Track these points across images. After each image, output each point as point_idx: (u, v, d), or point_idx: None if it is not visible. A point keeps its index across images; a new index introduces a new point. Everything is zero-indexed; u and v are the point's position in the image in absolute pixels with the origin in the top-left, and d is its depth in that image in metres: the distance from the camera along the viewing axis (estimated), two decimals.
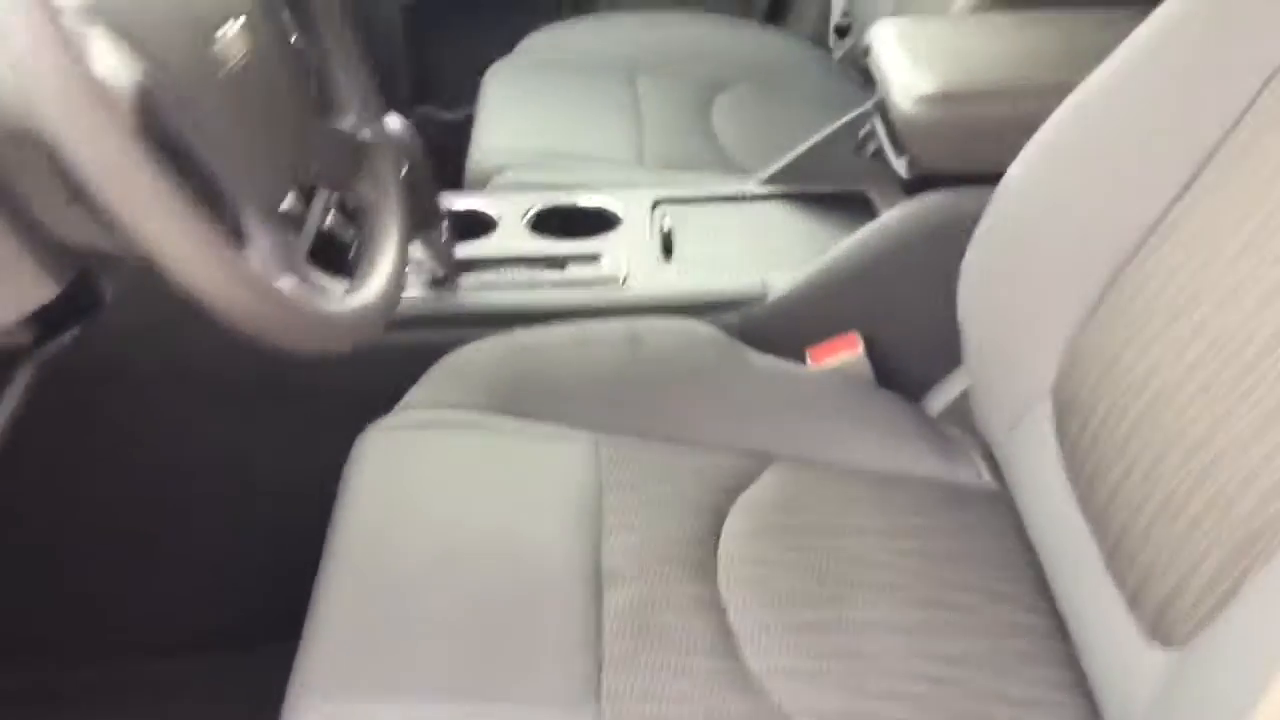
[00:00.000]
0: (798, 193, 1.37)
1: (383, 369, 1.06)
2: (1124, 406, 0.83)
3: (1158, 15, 0.94)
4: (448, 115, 2.05)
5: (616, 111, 1.65)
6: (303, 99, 0.83)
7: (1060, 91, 0.97)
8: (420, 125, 2.06)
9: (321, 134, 0.85)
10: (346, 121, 0.87)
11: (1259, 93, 0.86)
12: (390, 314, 0.79)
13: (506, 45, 1.89)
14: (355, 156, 0.86)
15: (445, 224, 1.20)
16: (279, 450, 1.20)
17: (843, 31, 1.85)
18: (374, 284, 0.77)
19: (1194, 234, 0.84)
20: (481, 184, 1.50)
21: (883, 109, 1.18)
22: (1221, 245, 0.81)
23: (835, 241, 1.23)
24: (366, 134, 0.88)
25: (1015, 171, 0.99)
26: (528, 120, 1.63)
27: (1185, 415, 0.77)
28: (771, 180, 1.39)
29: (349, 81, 0.87)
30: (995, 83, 1.13)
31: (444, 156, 1.65)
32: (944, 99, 1.11)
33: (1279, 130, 0.82)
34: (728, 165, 1.56)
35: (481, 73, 1.80)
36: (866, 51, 1.22)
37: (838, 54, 1.82)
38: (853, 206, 1.33)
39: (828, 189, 1.36)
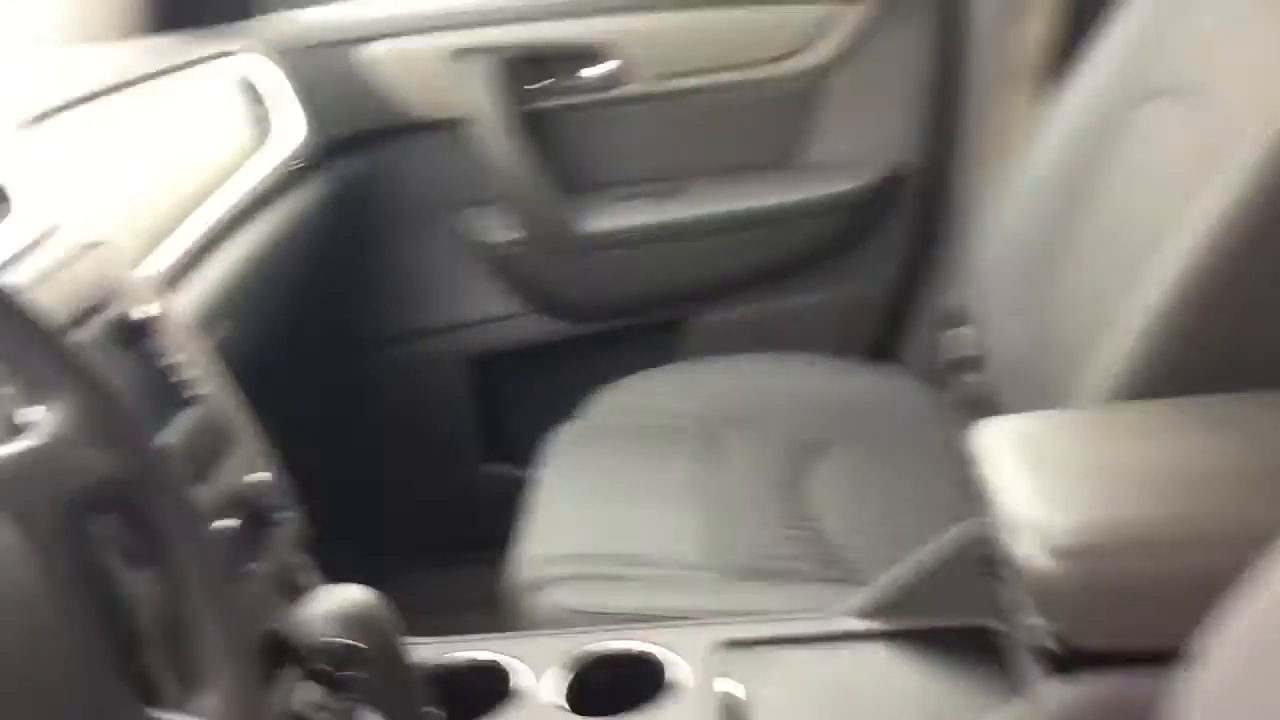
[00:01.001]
0: (907, 629, 1.04)
1: None
2: None
3: None
4: (521, 473, 1.82)
5: (688, 490, 1.36)
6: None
7: (1257, 537, 0.66)
8: (493, 485, 1.91)
9: None
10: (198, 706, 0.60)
11: None
12: None
13: (582, 396, 1.65)
14: None
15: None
16: None
17: (958, 366, 1.54)
18: None
19: None
20: (517, 607, 1.23)
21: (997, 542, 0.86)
22: None
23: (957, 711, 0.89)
24: None
25: (1199, 666, 0.67)
26: (580, 509, 1.35)
27: None
28: (877, 611, 1.07)
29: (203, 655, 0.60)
30: (1161, 525, 0.79)
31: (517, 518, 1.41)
32: (1090, 552, 0.78)
33: None
34: (829, 562, 1.25)
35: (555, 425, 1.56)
36: (972, 462, 0.91)
37: (953, 394, 1.52)
38: (983, 651, 1.00)
39: (944, 624, 1.03)
